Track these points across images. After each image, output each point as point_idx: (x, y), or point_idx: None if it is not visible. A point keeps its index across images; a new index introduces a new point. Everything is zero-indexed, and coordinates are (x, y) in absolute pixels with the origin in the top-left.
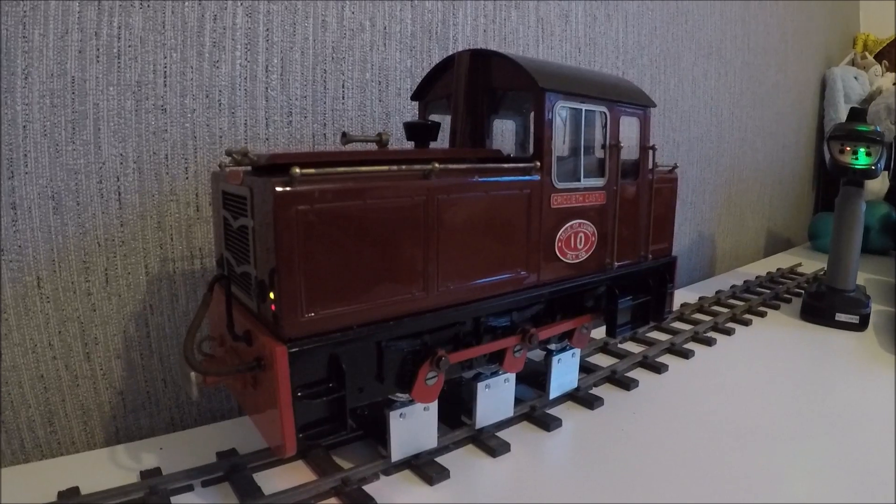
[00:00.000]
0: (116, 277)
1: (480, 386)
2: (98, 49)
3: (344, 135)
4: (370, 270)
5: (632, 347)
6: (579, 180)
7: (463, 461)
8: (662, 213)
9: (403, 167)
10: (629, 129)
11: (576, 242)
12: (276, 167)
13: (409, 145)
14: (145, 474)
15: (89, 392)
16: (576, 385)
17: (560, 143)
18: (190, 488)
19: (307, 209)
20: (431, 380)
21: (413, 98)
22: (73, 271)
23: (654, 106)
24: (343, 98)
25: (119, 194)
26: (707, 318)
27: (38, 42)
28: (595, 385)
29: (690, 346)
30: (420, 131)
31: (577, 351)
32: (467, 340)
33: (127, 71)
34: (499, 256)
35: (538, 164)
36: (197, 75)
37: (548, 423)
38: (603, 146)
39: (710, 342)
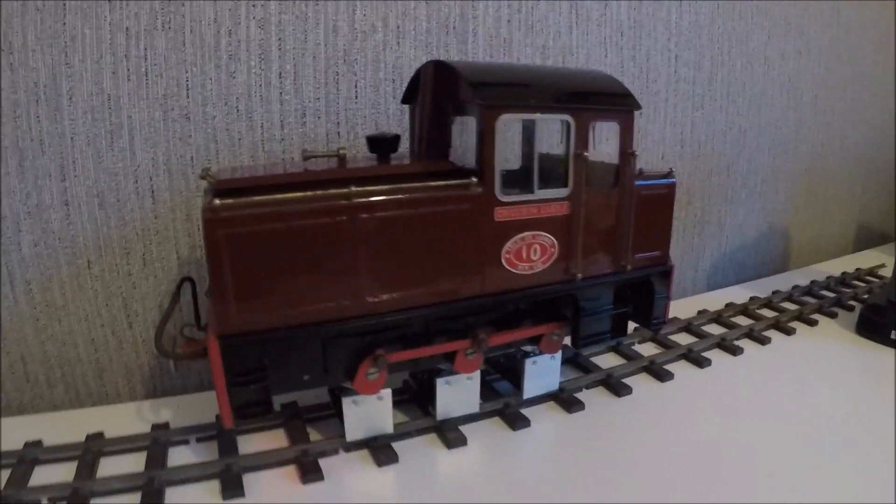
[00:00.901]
0: (152, 261)
1: (440, 381)
2: (128, 69)
3: (304, 151)
4: (296, 282)
5: (648, 350)
6: (532, 192)
7: (418, 449)
8: (653, 221)
9: (322, 192)
10: (607, 134)
11: (529, 254)
12: (227, 190)
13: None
14: (155, 427)
15: (132, 355)
16: (557, 387)
17: (507, 156)
18: (186, 442)
19: (231, 232)
20: (373, 375)
21: (403, 102)
22: (116, 255)
23: (639, 109)
24: (356, 98)
25: (152, 192)
26: (748, 321)
27: (79, 67)
28: (587, 387)
29: (713, 353)
30: (380, 144)
31: (558, 354)
32: (416, 341)
33: (154, 86)
34: (433, 269)
35: (474, 179)
36: (216, 86)
37: (515, 422)
38: (567, 156)
39: (735, 351)
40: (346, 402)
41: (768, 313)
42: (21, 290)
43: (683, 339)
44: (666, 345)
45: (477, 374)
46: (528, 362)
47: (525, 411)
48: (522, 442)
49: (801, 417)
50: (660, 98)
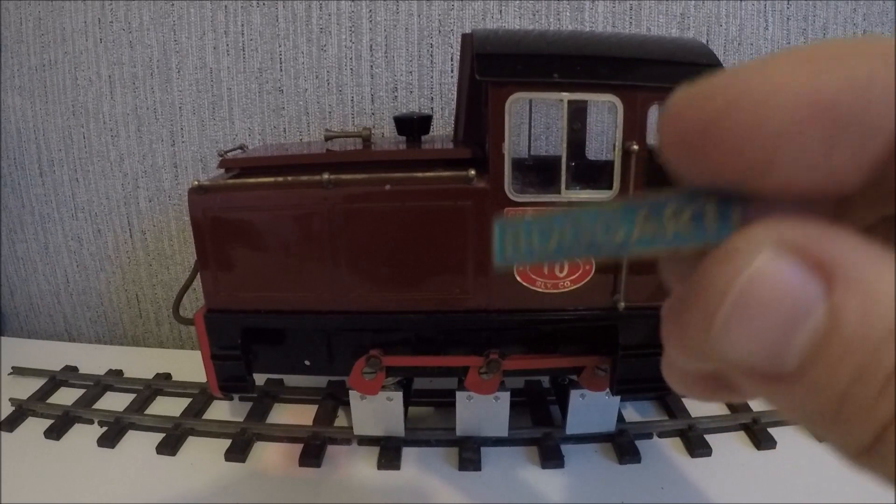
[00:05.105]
0: None
1: (461, 395)
2: (227, 44)
3: (326, 131)
4: (274, 268)
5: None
6: (558, 192)
7: (429, 462)
8: None
9: (303, 178)
10: None
11: (552, 269)
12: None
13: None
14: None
15: None
16: (612, 428)
17: (523, 145)
18: (231, 398)
19: (212, 215)
20: (369, 375)
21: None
22: None
23: None
24: (451, 71)
25: None
26: None
27: (185, 43)
28: (659, 436)
29: None
30: (410, 125)
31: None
32: (422, 348)
33: (251, 60)
34: (426, 271)
35: (472, 171)
36: (307, 59)
37: (547, 459)
38: (615, 148)
39: None
40: (354, 396)
41: None
42: (138, 238)
43: None
44: None
45: (506, 396)
46: (575, 395)
47: (566, 448)
48: (546, 483)
49: None
50: None
